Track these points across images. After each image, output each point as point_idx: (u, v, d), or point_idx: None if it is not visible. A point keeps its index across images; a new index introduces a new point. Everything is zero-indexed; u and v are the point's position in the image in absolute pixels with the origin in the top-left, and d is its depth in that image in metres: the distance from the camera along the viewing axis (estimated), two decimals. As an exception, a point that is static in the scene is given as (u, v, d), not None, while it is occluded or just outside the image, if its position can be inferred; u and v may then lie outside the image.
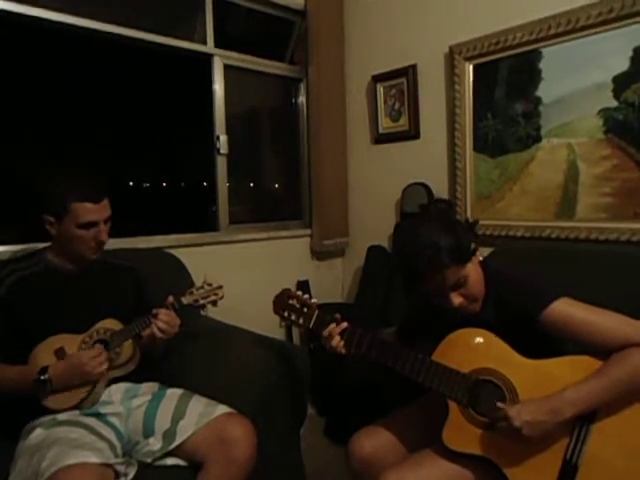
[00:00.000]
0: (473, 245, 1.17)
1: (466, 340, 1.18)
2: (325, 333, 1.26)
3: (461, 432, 1.12)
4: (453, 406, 1.14)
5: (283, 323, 1.39)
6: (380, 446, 1.28)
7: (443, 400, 1.16)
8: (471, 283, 1.16)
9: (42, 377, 1.25)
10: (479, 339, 1.16)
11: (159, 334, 1.39)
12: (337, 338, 1.25)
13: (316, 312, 1.31)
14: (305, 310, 1.33)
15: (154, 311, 1.41)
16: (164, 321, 1.40)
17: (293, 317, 1.34)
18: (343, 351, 1.25)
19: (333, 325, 1.26)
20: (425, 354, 1.19)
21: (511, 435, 1.04)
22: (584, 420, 1.05)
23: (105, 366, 1.33)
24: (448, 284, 1.13)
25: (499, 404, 1.09)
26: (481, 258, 1.22)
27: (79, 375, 1.29)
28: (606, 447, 1.03)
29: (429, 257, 1.10)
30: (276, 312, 1.38)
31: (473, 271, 1.16)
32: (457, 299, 1.16)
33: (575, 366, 1.08)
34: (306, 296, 1.35)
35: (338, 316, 1.28)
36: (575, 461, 1.04)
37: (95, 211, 1.38)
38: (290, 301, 1.35)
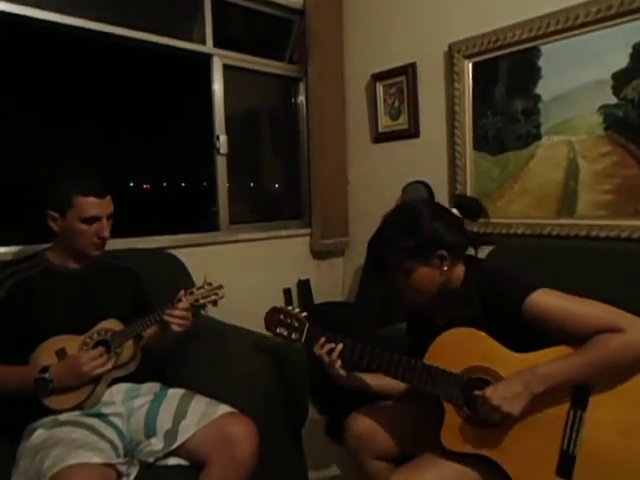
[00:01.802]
0: (444, 252, 1.17)
1: (456, 340, 1.18)
2: (317, 351, 1.27)
3: (459, 432, 1.13)
4: (449, 407, 1.15)
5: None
6: (375, 425, 1.31)
7: (438, 402, 1.16)
8: (414, 279, 1.19)
9: (44, 375, 1.25)
10: (468, 338, 1.16)
11: (176, 328, 1.41)
12: (324, 353, 1.26)
13: (306, 326, 1.32)
14: (296, 325, 1.33)
15: (175, 301, 1.43)
16: (180, 315, 1.41)
17: (285, 333, 1.34)
18: (341, 372, 1.26)
19: (322, 342, 1.27)
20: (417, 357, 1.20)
21: (493, 417, 1.05)
22: (576, 408, 1.06)
23: (108, 366, 1.33)
24: (391, 263, 1.21)
25: (476, 392, 1.10)
26: (445, 268, 1.20)
27: (78, 376, 1.28)
28: (602, 432, 1.04)
29: (382, 232, 1.22)
30: (268, 329, 1.38)
31: (423, 274, 1.19)
32: (398, 279, 1.22)
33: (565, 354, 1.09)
34: (296, 310, 1.35)
35: (329, 335, 1.29)
36: (572, 450, 1.04)
37: (99, 206, 1.40)
38: (280, 316, 1.35)
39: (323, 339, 1.27)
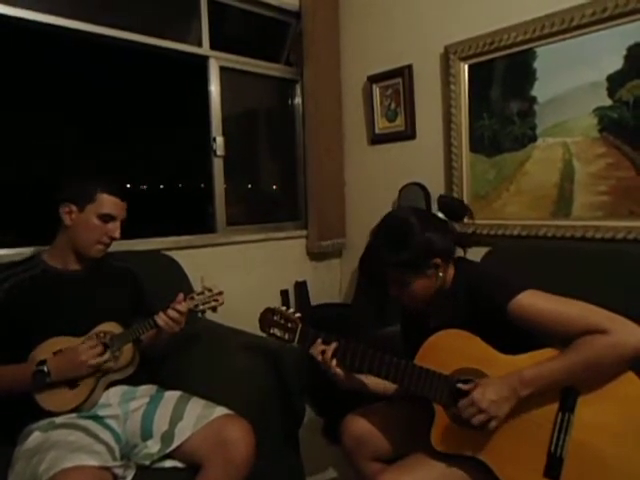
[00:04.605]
0: (438, 260, 1.18)
1: (446, 342, 1.18)
2: (312, 352, 1.28)
3: (448, 433, 1.14)
4: (439, 408, 1.15)
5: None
6: (371, 427, 1.32)
7: (429, 403, 1.17)
8: (411, 289, 1.20)
9: (41, 368, 1.25)
10: (459, 339, 1.17)
11: (163, 325, 1.41)
12: (318, 353, 1.27)
13: (299, 326, 1.32)
14: (289, 325, 1.34)
15: (171, 305, 1.43)
16: (171, 316, 1.41)
17: (279, 333, 1.35)
18: (337, 371, 1.26)
19: (321, 346, 1.27)
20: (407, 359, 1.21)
21: (479, 418, 1.05)
22: (565, 410, 1.06)
23: (105, 357, 1.33)
24: (386, 279, 1.22)
25: (459, 385, 1.11)
26: (440, 274, 1.21)
27: (75, 365, 1.28)
28: (590, 435, 1.04)
29: (373, 248, 1.22)
30: (262, 330, 1.40)
31: (419, 284, 1.20)
32: (393, 290, 1.23)
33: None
34: (290, 310, 1.37)
35: (322, 335, 1.29)
36: (560, 453, 1.05)
37: (119, 207, 1.46)
38: (275, 317, 1.37)
39: (319, 340, 1.28)
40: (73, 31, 2.01)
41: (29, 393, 1.28)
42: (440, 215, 1.28)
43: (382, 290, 1.26)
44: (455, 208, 1.29)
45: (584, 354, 1.03)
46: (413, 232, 1.17)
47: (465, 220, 1.30)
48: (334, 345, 1.26)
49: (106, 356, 1.33)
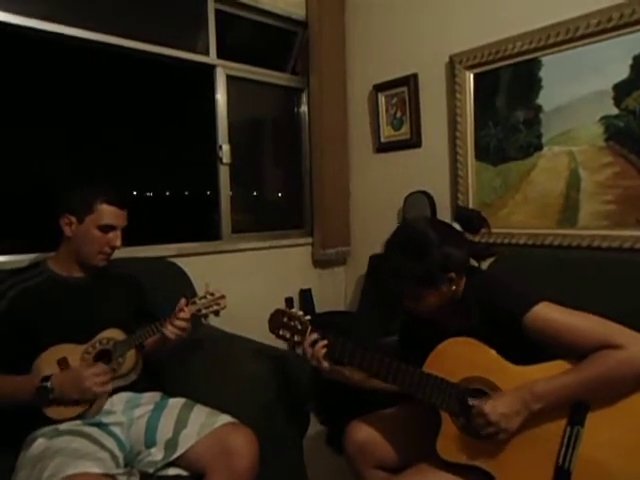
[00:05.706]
0: (453, 275, 1.16)
1: (455, 349, 1.17)
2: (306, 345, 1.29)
3: (454, 442, 1.13)
4: (446, 416, 1.14)
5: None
6: (375, 434, 1.31)
7: (436, 411, 1.16)
8: (424, 302, 1.19)
9: (45, 384, 1.24)
10: (468, 348, 1.16)
11: (170, 336, 1.40)
12: (310, 350, 1.28)
13: (309, 328, 1.32)
14: (299, 327, 1.34)
15: (176, 311, 1.42)
16: (178, 325, 1.41)
17: (288, 335, 1.35)
18: (325, 364, 1.26)
19: (315, 338, 1.28)
20: (417, 365, 1.20)
21: (487, 431, 1.05)
22: (574, 424, 1.05)
23: (108, 388, 1.32)
24: (400, 290, 1.22)
25: (471, 402, 1.10)
26: (453, 288, 1.19)
27: (79, 390, 1.27)
28: (599, 449, 1.03)
29: (389, 259, 1.20)
30: (272, 331, 1.39)
31: (433, 298, 1.18)
32: (407, 301, 1.22)
33: (563, 370, 1.08)
34: (300, 312, 1.36)
35: (330, 337, 1.29)
36: (567, 466, 1.03)
37: (118, 216, 1.44)
38: (284, 319, 1.36)
39: (315, 335, 1.28)
40: (83, 41, 2.04)
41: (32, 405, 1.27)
42: (456, 226, 1.25)
43: (395, 301, 1.25)
44: (472, 220, 1.27)
45: (597, 370, 1.02)
46: (430, 246, 1.14)
47: (483, 231, 1.28)
48: (324, 341, 1.27)
49: (109, 387, 1.32)
